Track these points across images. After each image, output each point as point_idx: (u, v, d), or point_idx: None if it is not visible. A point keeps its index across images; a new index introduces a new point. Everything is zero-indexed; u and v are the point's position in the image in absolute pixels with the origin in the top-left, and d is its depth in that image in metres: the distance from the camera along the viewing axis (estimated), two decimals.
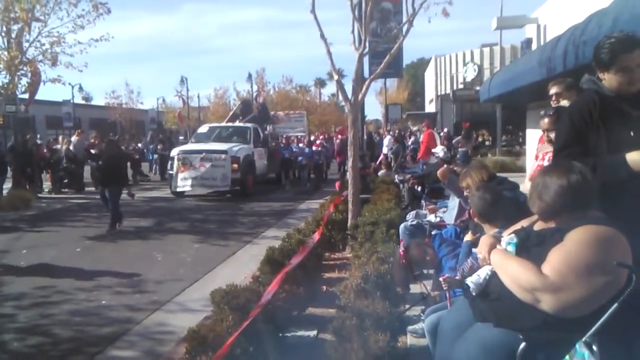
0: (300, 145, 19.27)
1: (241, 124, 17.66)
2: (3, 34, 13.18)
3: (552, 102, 4.13)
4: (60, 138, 19.85)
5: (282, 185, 17.99)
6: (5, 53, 13.05)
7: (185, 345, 3.48)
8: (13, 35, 13.29)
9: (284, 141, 19.41)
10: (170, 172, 14.69)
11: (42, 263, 7.69)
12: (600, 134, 2.63)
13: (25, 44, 13.38)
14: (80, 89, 39.92)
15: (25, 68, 13.73)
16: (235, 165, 14.21)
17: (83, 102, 46.70)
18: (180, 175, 14.05)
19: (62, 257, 7.99)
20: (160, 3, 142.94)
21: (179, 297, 5.92)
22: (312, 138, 21.67)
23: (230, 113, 20.77)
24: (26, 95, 16.66)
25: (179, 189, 14.23)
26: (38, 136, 20.64)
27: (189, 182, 13.98)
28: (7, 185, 14.66)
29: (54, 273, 7.06)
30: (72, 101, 36.23)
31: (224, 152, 14.32)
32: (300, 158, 17.53)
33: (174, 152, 14.91)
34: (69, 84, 22.35)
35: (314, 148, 17.94)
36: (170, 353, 4.27)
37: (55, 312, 5.44)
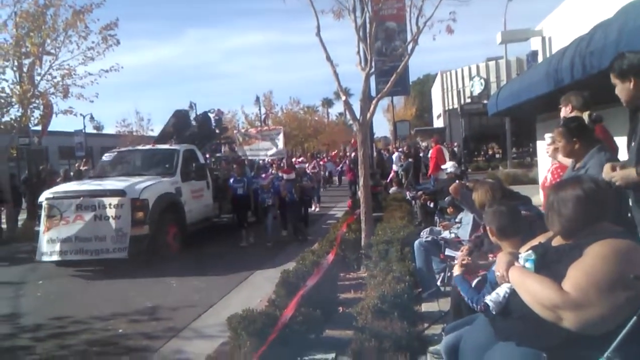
0: (263, 175, 12.97)
1: (166, 147, 11.82)
2: (15, 69, 13.44)
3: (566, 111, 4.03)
4: (77, 164, 20.05)
5: (245, 243, 10.78)
6: (18, 87, 13.29)
7: None
8: (25, 70, 13.55)
9: (235, 167, 12.27)
10: (37, 228, 9.14)
11: (59, 293, 7.74)
12: None
13: (37, 78, 13.64)
14: (92, 118, 40.37)
15: (37, 101, 13.96)
16: (140, 214, 8.82)
17: (94, 131, 47.23)
18: (47, 235, 8.70)
19: (77, 287, 8.04)
20: (165, 31, 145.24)
21: (195, 323, 5.90)
22: (281, 163, 15.42)
23: (160, 131, 14.38)
24: (39, 127, 16.94)
25: (44, 258, 8.69)
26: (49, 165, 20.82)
27: (57, 246, 8.57)
28: (22, 216, 14.81)
29: (71, 303, 7.10)
30: (83, 131, 36.63)
31: (120, 192, 8.91)
32: (264, 196, 11.07)
33: (42, 197, 9.29)
34: (81, 114, 22.78)
35: (285, 176, 11.36)
36: None
37: (73, 342, 5.45)
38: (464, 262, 3.32)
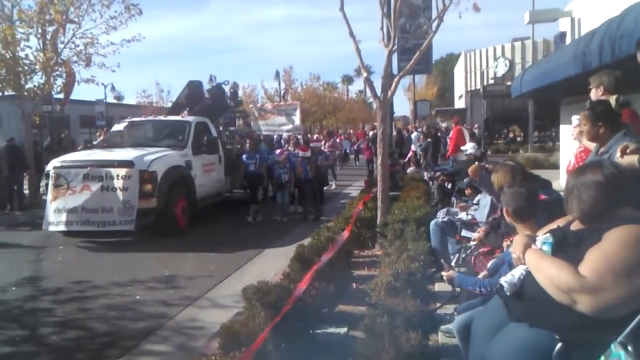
0: (277, 151, 12.05)
1: (178, 118, 11.51)
2: (39, 36, 13.55)
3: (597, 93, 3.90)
4: (97, 134, 20.30)
5: (251, 218, 10.46)
6: (41, 54, 13.44)
7: (218, 340, 3.55)
8: (48, 37, 13.66)
9: (248, 142, 11.61)
10: (45, 197, 9.19)
11: (78, 259, 7.93)
12: None
13: (60, 46, 13.76)
14: (113, 88, 40.77)
15: (60, 69, 14.13)
16: (149, 186, 8.66)
17: (115, 101, 47.64)
18: (53, 205, 8.61)
19: (97, 253, 8.22)
20: (189, 2, 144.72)
21: (210, 293, 6.02)
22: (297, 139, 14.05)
23: (173, 102, 14.08)
24: (61, 96, 17.14)
25: (51, 228, 8.66)
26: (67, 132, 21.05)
27: (63, 216, 8.48)
28: (45, 182, 15.08)
29: (90, 268, 7.27)
30: (104, 100, 36.99)
31: (128, 163, 8.73)
32: (280, 171, 10.72)
33: (49, 166, 9.26)
34: (102, 83, 22.92)
35: (301, 153, 11.04)
36: (203, 348, 4.34)
37: (92, 306, 5.60)
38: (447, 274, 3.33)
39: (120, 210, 8.42)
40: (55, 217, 8.53)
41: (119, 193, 8.47)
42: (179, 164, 9.69)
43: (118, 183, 8.50)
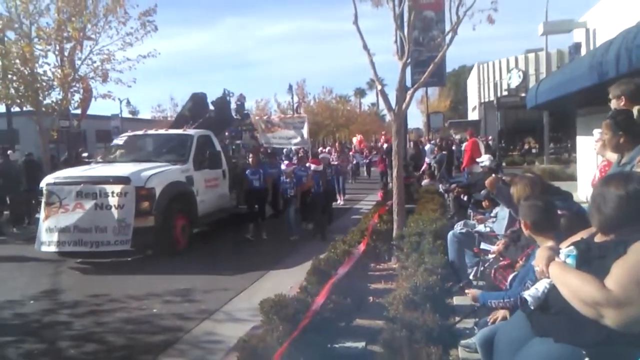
0: (285, 163, 11.85)
1: (180, 132, 11.00)
2: (56, 53, 13.76)
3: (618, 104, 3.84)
4: None
5: (253, 236, 10.13)
6: (59, 71, 13.64)
7: (235, 354, 3.54)
8: (66, 54, 13.88)
9: (250, 157, 10.76)
10: (38, 216, 8.80)
11: (96, 272, 7.98)
12: None
13: (78, 62, 13.94)
14: (128, 103, 41.35)
15: (77, 85, 14.31)
16: (146, 204, 8.28)
17: (130, 116, 48.21)
18: (45, 224, 8.21)
19: (114, 267, 8.25)
20: (202, 18, 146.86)
21: (227, 306, 6.02)
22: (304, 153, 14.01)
23: (177, 116, 13.72)
24: (78, 111, 17.35)
25: (43, 248, 8.20)
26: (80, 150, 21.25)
27: (55, 236, 8.04)
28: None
29: (107, 282, 7.31)
30: (120, 115, 37.44)
31: (124, 179, 8.32)
32: (286, 186, 10.32)
33: (43, 182, 8.80)
34: (118, 98, 23.20)
35: (313, 167, 10.54)
36: None
37: (109, 320, 5.63)
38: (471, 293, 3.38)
39: (115, 230, 7.96)
40: (47, 237, 8.10)
41: (114, 211, 8.03)
42: (179, 179, 9.24)
43: (113, 200, 8.05)
